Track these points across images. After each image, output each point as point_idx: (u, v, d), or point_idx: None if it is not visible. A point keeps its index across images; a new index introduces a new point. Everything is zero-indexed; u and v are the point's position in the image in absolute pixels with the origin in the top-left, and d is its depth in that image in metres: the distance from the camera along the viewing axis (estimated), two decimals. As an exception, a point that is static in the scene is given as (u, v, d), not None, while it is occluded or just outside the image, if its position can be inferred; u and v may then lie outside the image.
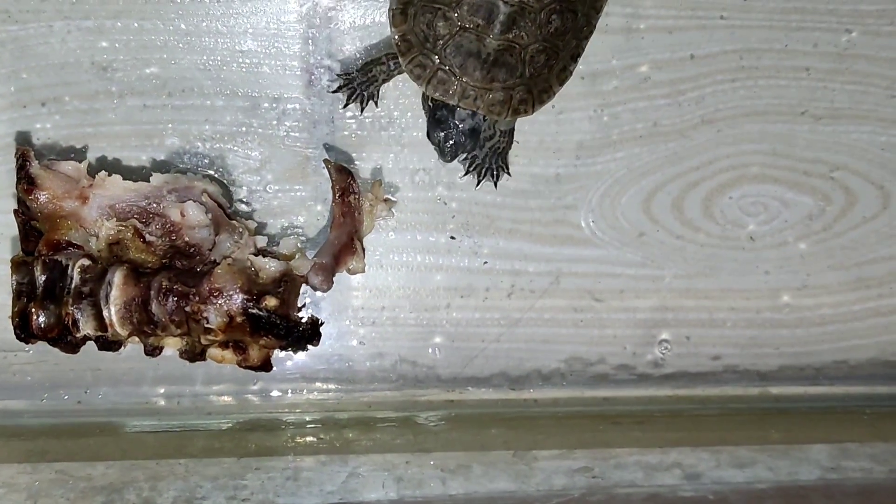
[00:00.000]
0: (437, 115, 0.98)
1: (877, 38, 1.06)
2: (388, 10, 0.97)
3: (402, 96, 1.04)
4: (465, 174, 1.04)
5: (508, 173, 1.05)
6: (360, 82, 1.01)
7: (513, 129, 1.03)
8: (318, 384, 1.11)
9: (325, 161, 1.02)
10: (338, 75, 1.03)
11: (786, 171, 1.09)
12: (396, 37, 0.96)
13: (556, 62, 0.97)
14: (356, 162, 1.05)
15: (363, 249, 1.02)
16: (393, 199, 1.06)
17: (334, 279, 1.01)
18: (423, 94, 1.00)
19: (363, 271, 1.02)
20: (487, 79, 0.95)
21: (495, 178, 1.04)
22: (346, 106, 1.03)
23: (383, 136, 1.05)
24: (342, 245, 1.00)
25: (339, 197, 1.01)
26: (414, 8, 0.95)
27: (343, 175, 1.00)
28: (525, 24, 0.93)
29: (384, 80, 1.01)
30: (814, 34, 1.05)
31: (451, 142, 0.98)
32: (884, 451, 1.08)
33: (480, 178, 1.05)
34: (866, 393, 1.16)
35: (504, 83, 0.95)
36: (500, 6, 0.92)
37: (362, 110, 1.03)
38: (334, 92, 1.02)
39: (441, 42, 0.95)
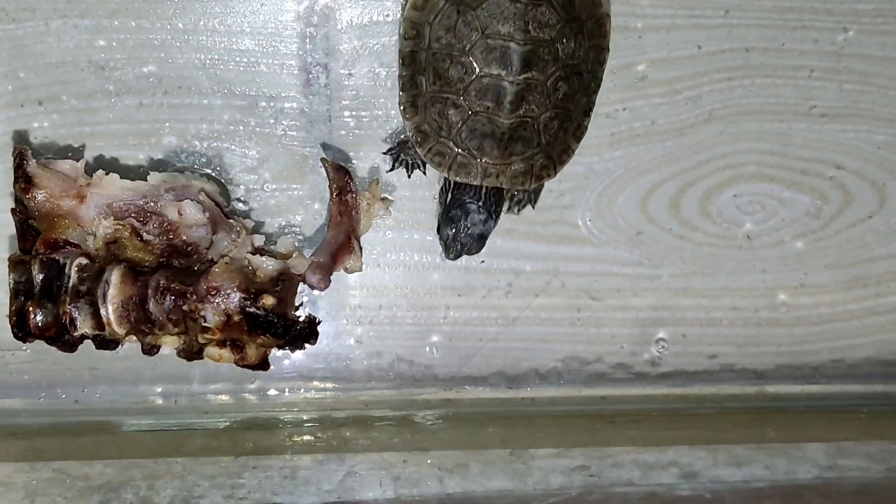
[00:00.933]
0: (451, 214, 1.01)
1: (873, 37, 1.06)
2: (399, 102, 0.99)
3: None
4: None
5: (533, 206, 1.06)
6: (404, 153, 1.03)
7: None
8: (316, 383, 1.11)
9: (323, 160, 1.02)
10: (388, 150, 1.04)
11: (783, 169, 1.09)
12: (411, 130, 0.98)
13: (570, 123, 0.99)
14: (354, 161, 1.05)
15: (360, 248, 1.02)
16: (390, 198, 1.06)
17: (332, 278, 1.01)
18: (441, 188, 1.03)
19: (360, 270, 1.02)
20: (506, 155, 0.97)
21: (520, 208, 1.06)
22: (391, 169, 1.05)
23: (380, 134, 1.05)
24: (339, 244, 1.00)
25: (336, 196, 1.01)
26: (423, 99, 0.97)
27: (340, 174, 1.00)
28: (534, 98, 0.95)
29: None
30: (811, 33, 1.05)
31: (458, 244, 1.01)
32: (881, 449, 1.08)
33: (511, 208, 1.06)
34: (863, 391, 1.16)
35: (523, 155, 0.97)
36: (507, 86, 0.94)
37: (409, 175, 1.05)
38: (385, 152, 1.05)
39: (455, 129, 0.97)
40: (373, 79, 1.04)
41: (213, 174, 1.05)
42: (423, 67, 0.97)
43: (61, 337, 0.97)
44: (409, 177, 1.05)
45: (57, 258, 0.96)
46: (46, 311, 0.96)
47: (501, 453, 1.06)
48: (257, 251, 0.99)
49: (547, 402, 1.14)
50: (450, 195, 1.02)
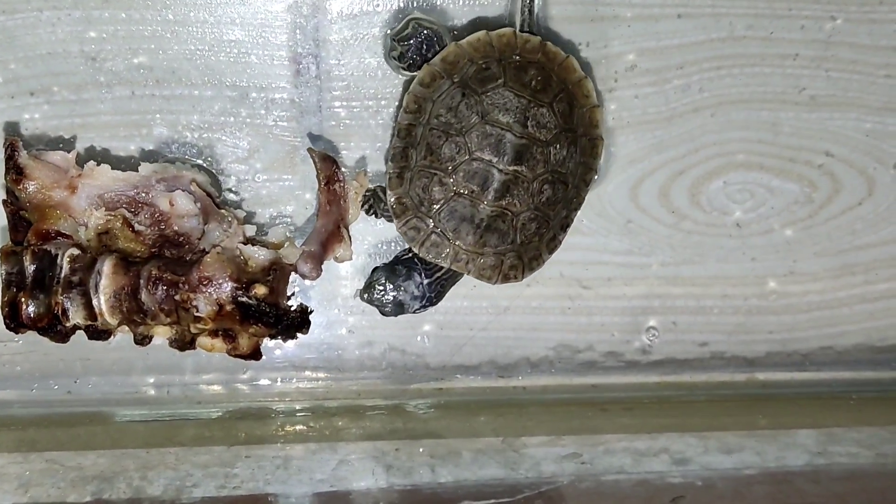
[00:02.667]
0: (396, 267, 1.02)
1: (861, 26, 1.06)
2: (386, 172, 0.99)
3: (391, 85, 1.04)
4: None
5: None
6: (375, 204, 1.03)
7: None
8: (308, 373, 1.11)
9: (310, 150, 1.02)
10: (364, 194, 1.03)
11: (772, 158, 1.10)
12: (392, 199, 0.99)
13: (547, 231, 1.00)
14: (344, 151, 1.06)
15: (349, 237, 1.02)
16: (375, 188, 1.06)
17: (323, 268, 1.01)
18: (407, 248, 1.02)
19: (350, 258, 1.03)
20: (480, 243, 0.97)
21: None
22: (365, 209, 1.05)
23: (371, 124, 1.05)
24: (329, 233, 1.01)
25: (324, 185, 1.01)
26: (410, 172, 0.98)
27: (327, 163, 1.00)
28: (518, 193, 0.96)
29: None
30: (799, 22, 1.06)
31: (380, 296, 1.02)
32: (870, 435, 1.09)
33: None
34: (852, 378, 1.17)
35: (496, 248, 0.98)
36: (495, 174, 0.95)
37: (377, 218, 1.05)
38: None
39: (436, 206, 0.97)
40: (363, 69, 1.04)
41: (205, 165, 1.05)
42: (417, 141, 0.98)
43: (53, 328, 0.97)
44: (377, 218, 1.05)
45: (49, 249, 0.96)
46: (38, 302, 0.96)
47: (493, 441, 1.07)
48: (249, 241, 0.99)
49: (538, 390, 1.14)
50: (409, 254, 1.02)
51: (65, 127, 1.03)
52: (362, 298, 1.03)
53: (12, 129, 1.03)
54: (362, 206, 1.03)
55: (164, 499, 0.98)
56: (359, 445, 1.06)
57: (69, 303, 0.96)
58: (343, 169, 1.02)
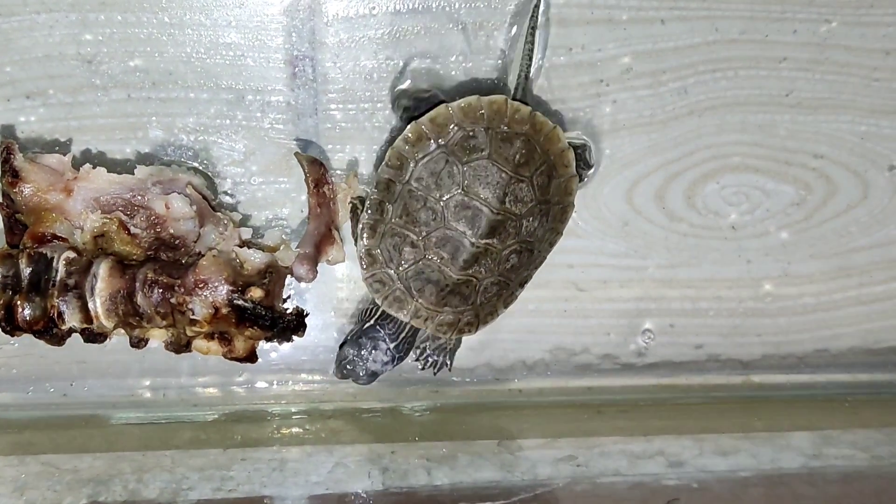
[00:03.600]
0: (361, 340, 1.03)
1: (856, 28, 1.07)
2: (360, 221, 1.00)
3: (386, 87, 1.04)
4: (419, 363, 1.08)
5: (450, 369, 1.08)
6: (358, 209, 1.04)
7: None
8: (304, 375, 1.11)
9: (297, 154, 1.02)
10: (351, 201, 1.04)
11: (767, 160, 1.10)
12: (362, 250, 1.00)
13: (506, 290, 1.01)
14: (340, 153, 1.06)
15: (341, 239, 1.02)
16: (368, 190, 1.06)
17: (318, 271, 1.01)
18: (365, 310, 1.05)
19: (343, 260, 1.03)
20: (440, 304, 0.99)
21: (436, 370, 1.08)
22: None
23: (367, 127, 1.05)
24: (322, 235, 1.01)
25: (313, 188, 1.01)
26: (384, 227, 0.99)
27: (315, 167, 1.01)
28: (486, 263, 0.98)
29: None
30: (793, 25, 1.06)
31: (352, 369, 1.03)
32: (865, 437, 1.09)
33: (425, 367, 1.08)
34: (848, 381, 1.17)
35: (455, 308, 1.00)
36: (466, 245, 0.97)
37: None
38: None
39: (405, 264, 0.99)
40: (359, 72, 1.04)
41: (201, 167, 1.05)
42: (395, 198, 0.98)
43: (49, 331, 0.97)
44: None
45: (44, 252, 0.96)
46: (34, 305, 0.96)
47: (489, 444, 1.07)
48: (245, 244, 0.99)
49: (534, 392, 1.14)
50: (370, 321, 1.03)
51: (61, 130, 1.03)
52: (336, 377, 1.05)
53: (8, 132, 1.03)
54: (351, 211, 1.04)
55: (160, 501, 0.98)
56: (355, 448, 1.06)
57: (65, 306, 0.95)
58: (333, 171, 1.02)
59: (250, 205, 1.06)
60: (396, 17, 1.03)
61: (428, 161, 0.97)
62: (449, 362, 1.08)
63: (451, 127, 0.97)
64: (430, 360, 1.07)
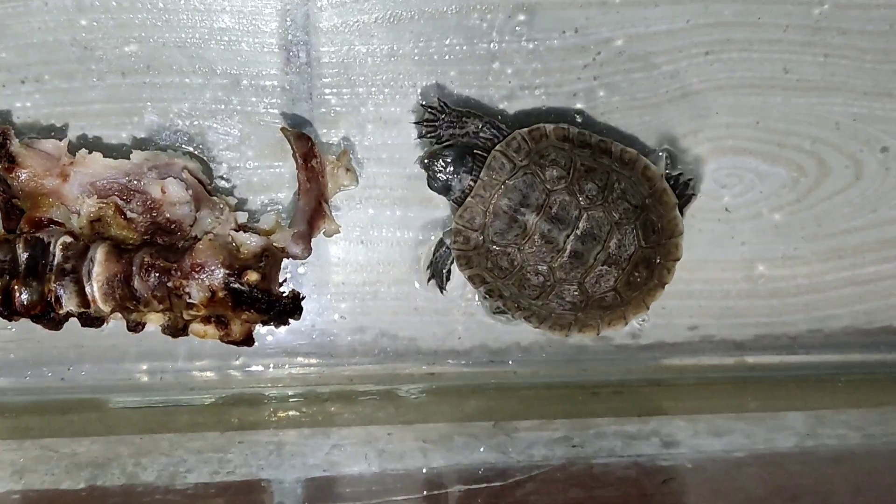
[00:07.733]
0: (466, 158, 1.02)
1: (848, 11, 1.07)
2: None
3: (381, 72, 1.05)
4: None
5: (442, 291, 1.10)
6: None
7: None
8: (300, 359, 1.12)
9: (283, 129, 1.02)
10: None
11: (760, 143, 1.10)
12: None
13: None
14: (335, 138, 1.06)
15: (331, 211, 1.02)
16: (357, 168, 1.06)
17: (315, 255, 1.02)
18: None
19: (339, 231, 1.03)
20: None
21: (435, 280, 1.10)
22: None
23: (362, 111, 1.05)
24: (312, 210, 1.01)
25: (302, 163, 1.01)
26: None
27: (303, 141, 1.01)
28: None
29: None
30: (786, 7, 1.06)
31: (438, 168, 1.02)
32: (858, 417, 1.09)
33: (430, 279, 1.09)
34: (840, 361, 1.17)
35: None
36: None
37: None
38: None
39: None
40: (353, 56, 1.04)
41: (196, 152, 1.05)
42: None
43: (47, 315, 0.97)
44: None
45: (41, 237, 0.97)
46: (31, 290, 0.96)
47: (485, 426, 1.07)
48: (240, 228, 1.00)
49: (529, 374, 1.14)
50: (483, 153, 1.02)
51: (56, 115, 1.04)
52: (421, 163, 1.04)
53: (4, 117, 1.03)
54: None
55: (158, 484, 0.98)
56: (351, 430, 1.07)
57: (62, 290, 0.96)
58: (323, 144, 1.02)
59: (246, 189, 1.07)
60: (390, 1, 1.03)
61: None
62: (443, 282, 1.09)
63: None
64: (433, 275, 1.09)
